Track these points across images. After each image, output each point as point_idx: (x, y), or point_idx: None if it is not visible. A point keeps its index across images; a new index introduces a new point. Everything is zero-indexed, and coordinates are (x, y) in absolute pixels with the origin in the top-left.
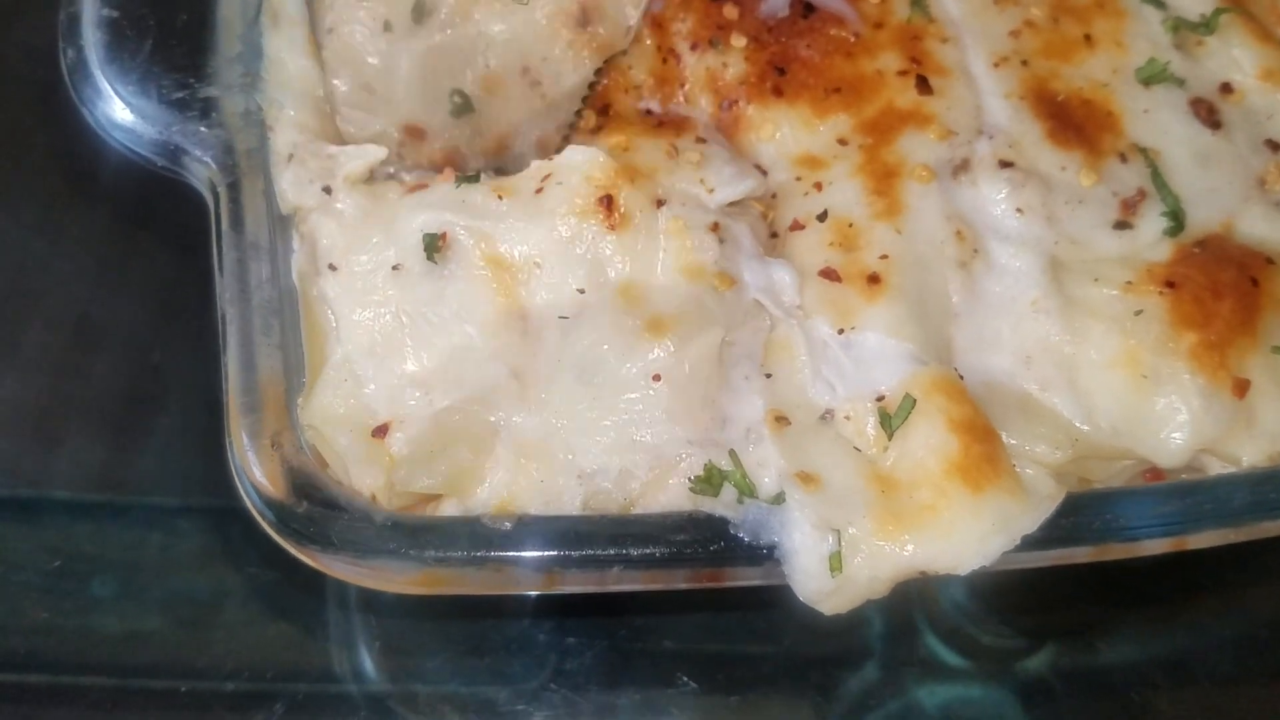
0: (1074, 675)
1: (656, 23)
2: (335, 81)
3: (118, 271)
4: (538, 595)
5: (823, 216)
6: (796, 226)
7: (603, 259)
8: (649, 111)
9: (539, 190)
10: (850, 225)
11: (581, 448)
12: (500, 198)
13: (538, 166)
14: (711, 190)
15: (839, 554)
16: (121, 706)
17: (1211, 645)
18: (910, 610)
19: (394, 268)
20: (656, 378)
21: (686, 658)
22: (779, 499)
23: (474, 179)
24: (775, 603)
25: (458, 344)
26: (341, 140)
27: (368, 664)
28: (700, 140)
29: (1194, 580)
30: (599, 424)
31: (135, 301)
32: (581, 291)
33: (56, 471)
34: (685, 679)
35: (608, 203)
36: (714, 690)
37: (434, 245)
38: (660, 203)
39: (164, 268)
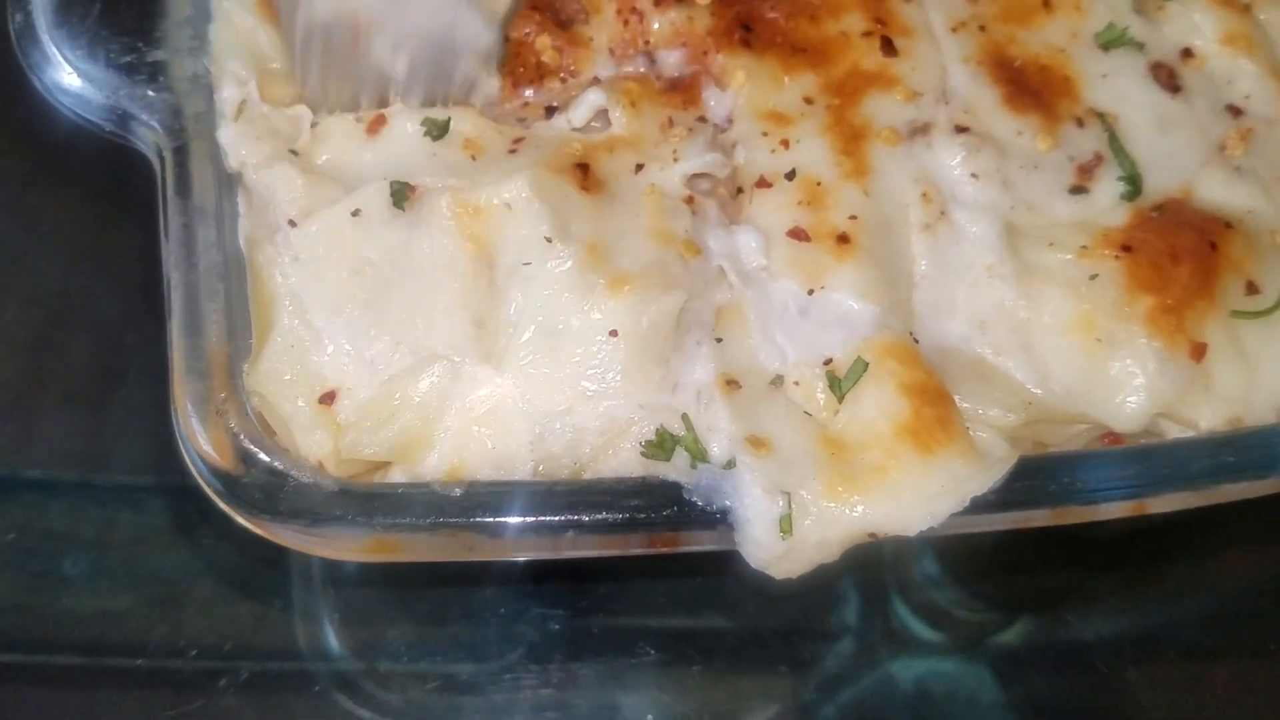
0: (1046, 648)
1: None
2: None
3: (92, 251)
4: (499, 565)
5: (791, 175)
6: (763, 184)
7: (572, 216)
8: (660, 76)
9: (512, 151)
10: (819, 184)
11: (536, 400)
12: (473, 157)
13: (511, 131)
14: (677, 160)
15: (789, 516)
16: (93, 684)
17: (1180, 617)
18: (884, 583)
19: (355, 213)
20: (614, 333)
21: (649, 628)
22: (730, 464)
23: (444, 126)
24: (741, 573)
25: (425, 291)
26: (285, 101)
27: (332, 637)
28: (701, 120)
29: (1164, 549)
30: (555, 375)
31: (109, 281)
32: (549, 240)
33: (29, 450)
34: (647, 648)
35: (584, 169)
36: (677, 661)
37: (403, 194)
38: (639, 167)
39: (139, 247)
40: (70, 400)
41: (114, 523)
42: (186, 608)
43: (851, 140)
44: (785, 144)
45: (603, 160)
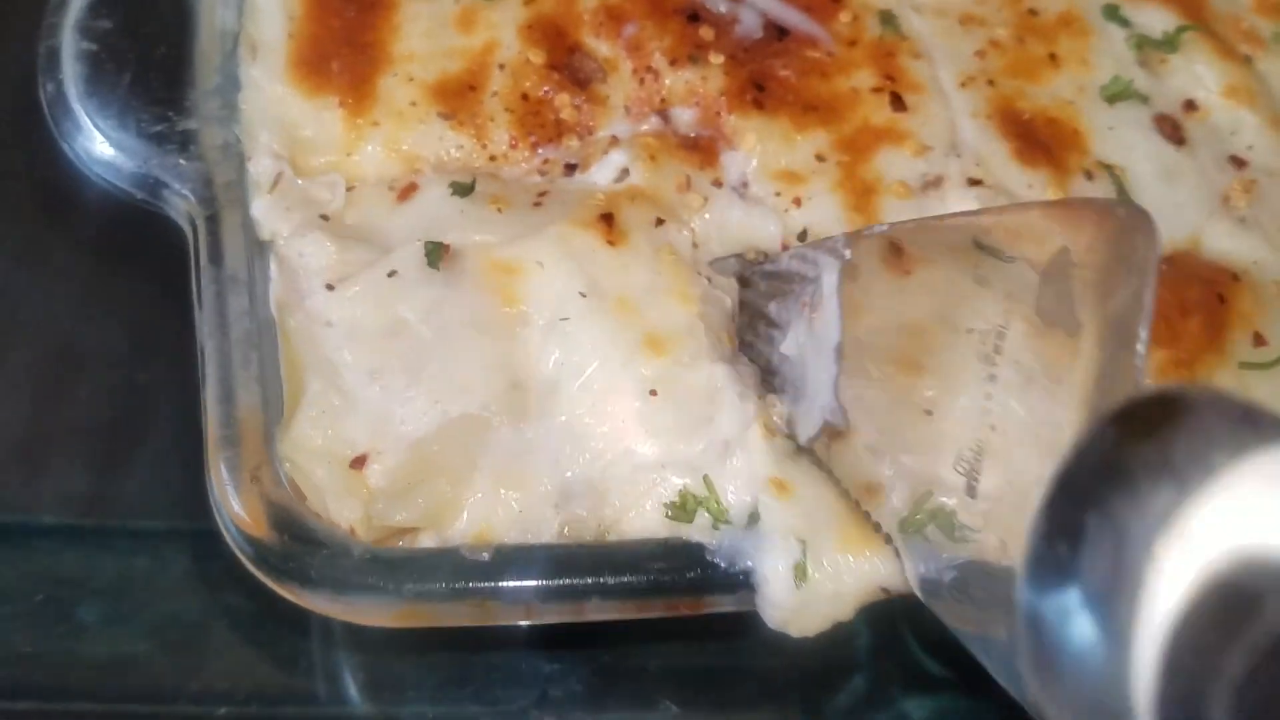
0: None
1: (634, 45)
2: None
3: (103, 299)
4: (520, 625)
5: (803, 236)
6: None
7: (599, 270)
8: (676, 133)
9: (537, 204)
10: None
11: (562, 461)
12: (499, 210)
13: (535, 184)
14: (696, 246)
15: (803, 564)
16: None
17: None
18: (896, 622)
19: (391, 274)
20: (654, 392)
21: (669, 680)
22: (754, 517)
23: (469, 188)
24: (757, 624)
25: (461, 350)
26: (310, 170)
27: (353, 690)
28: (717, 184)
29: None
30: (581, 434)
31: (121, 328)
32: (583, 295)
33: (43, 498)
34: (668, 703)
35: (609, 219)
36: (697, 712)
37: (438, 254)
38: (660, 221)
39: (149, 295)
40: (82, 444)
41: (129, 568)
42: (205, 654)
43: (863, 196)
44: (797, 202)
45: (625, 209)
